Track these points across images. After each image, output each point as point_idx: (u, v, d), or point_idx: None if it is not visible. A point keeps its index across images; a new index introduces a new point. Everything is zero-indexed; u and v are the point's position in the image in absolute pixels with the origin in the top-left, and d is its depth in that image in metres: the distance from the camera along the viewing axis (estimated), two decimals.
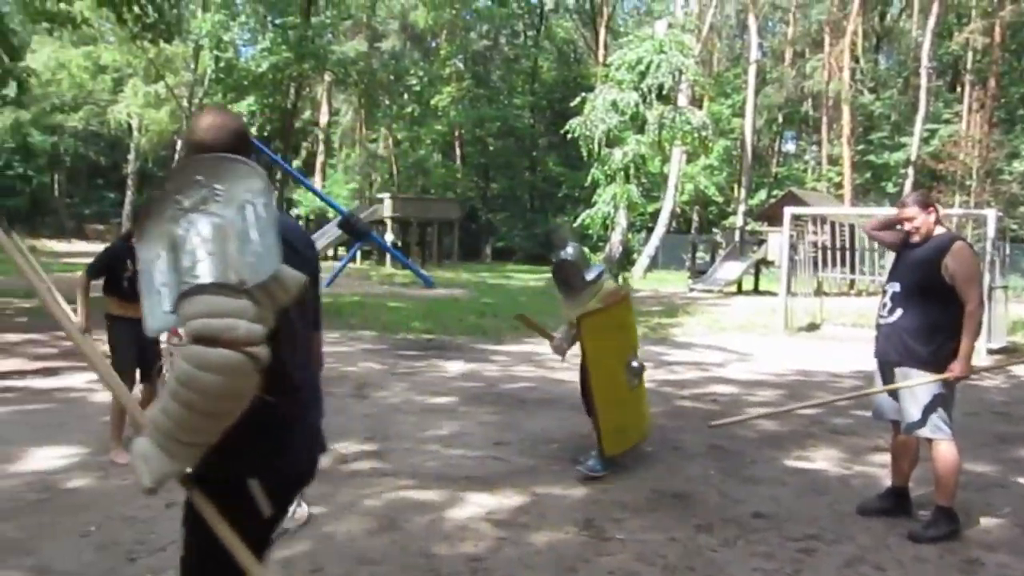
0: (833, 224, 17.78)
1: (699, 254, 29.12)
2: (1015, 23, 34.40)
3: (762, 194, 40.69)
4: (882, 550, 4.10)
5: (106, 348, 5.26)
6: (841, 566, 3.90)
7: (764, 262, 25.43)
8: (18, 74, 17.62)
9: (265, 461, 2.05)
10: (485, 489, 4.88)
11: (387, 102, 40.57)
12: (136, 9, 16.52)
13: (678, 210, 36.69)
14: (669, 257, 35.30)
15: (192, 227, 1.77)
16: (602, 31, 42.13)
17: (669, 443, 6.07)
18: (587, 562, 3.87)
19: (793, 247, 15.13)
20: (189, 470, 1.91)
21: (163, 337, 6.08)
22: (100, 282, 5.36)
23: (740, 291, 24.56)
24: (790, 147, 50.87)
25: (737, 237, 27.84)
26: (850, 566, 3.90)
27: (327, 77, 37.41)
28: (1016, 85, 37.76)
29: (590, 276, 5.48)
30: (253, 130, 32.71)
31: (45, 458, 5.17)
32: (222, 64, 31.60)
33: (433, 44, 47.68)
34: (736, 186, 39.43)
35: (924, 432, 4.31)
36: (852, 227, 18.56)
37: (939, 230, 4.41)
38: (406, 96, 40.56)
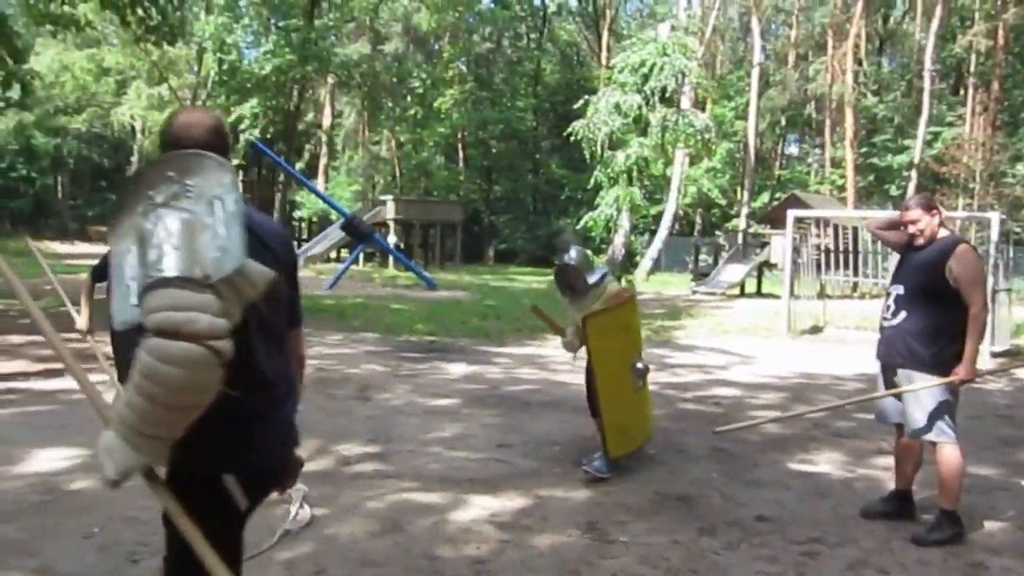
0: (836, 227, 17.74)
1: (702, 257, 29.09)
2: (1018, 26, 34.38)
3: (765, 197, 40.68)
4: (886, 553, 4.09)
5: (108, 349, 5.26)
6: (844, 569, 3.89)
7: (767, 265, 25.40)
8: (22, 76, 17.63)
9: (236, 456, 2.07)
10: (488, 491, 4.88)
11: (390, 104, 40.62)
12: (140, 12, 16.55)
13: (681, 213, 36.66)
14: (672, 260, 35.27)
15: (161, 222, 1.78)
16: (605, 34, 42.14)
17: (672, 446, 6.06)
18: (590, 565, 3.86)
19: (796, 250, 15.11)
20: (163, 465, 1.92)
21: None
22: (104, 284, 5.37)
23: (743, 294, 24.53)
24: (793, 150, 50.87)
25: (740, 240, 27.82)
26: (853, 569, 3.89)
27: (330, 79, 37.46)
28: (1020, 88, 37.74)
29: (593, 279, 5.49)
30: (256, 132, 32.86)
31: (48, 460, 5.18)
32: (225, 66, 31.67)
33: (436, 47, 47.71)
34: (739, 189, 39.43)
35: (928, 435, 4.30)
36: (855, 230, 18.53)
37: (943, 233, 4.40)
38: (409, 98, 40.61)
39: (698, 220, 41.98)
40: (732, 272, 25.10)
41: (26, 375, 8.06)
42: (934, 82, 32.86)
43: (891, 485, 4.78)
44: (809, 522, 4.51)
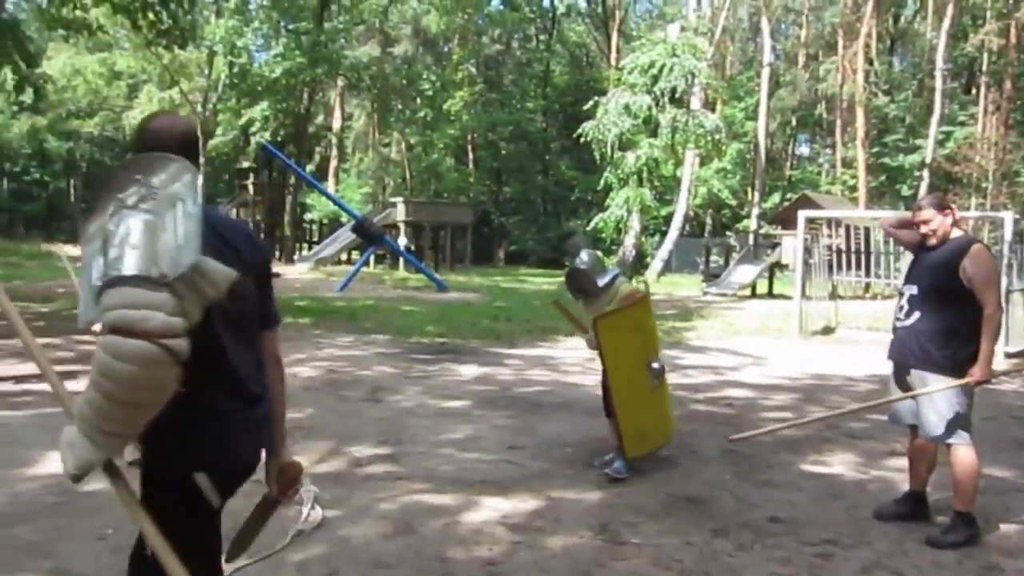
0: (848, 227, 17.68)
1: (713, 257, 29.04)
2: None
3: (776, 197, 40.57)
4: (900, 555, 4.07)
5: None
6: (858, 571, 3.87)
7: (778, 265, 25.33)
8: (35, 80, 17.75)
9: (207, 455, 2.10)
10: (500, 493, 4.87)
11: (400, 106, 40.70)
12: (151, 16, 16.63)
13: (691, 213, 36.64)
14: (682, 260, 35.21)
15: (124, 222, 1.82)
16: (614, 35, 42.12)
17: (684, 447, 6.05)
18: (602, 566, 3.85)
19: (807, 250, 15.06)
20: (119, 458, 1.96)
21: None
22: None
23: (754, 294, 24.46)
24: (804, 150, 50.75)
25: (751, 240, 27.75)
26: (867, 571, 3.87)
27: (340, 82, 37.55)
28: None
29: (604, 281, 5.48)
30: (267, 135, 32.94)
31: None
32: (236, 69, 31.77)
33: (445, 49, 47.80)
34: (750, 189, 39.34)
35: (942, 436, 4.27)
36: (867, 230, 18.45)
37: (956, 232, 4.38)
38: (419, 100, 40.68)
39: (709, 221, 41.91)
40: (743, 273, 25.04)
41: (41, 377, 8.08)
42: (946, 81, 32.71)
43: (905, 487, 4.75)
44: (822, 524, 4.49)
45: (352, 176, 46.47)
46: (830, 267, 16.11)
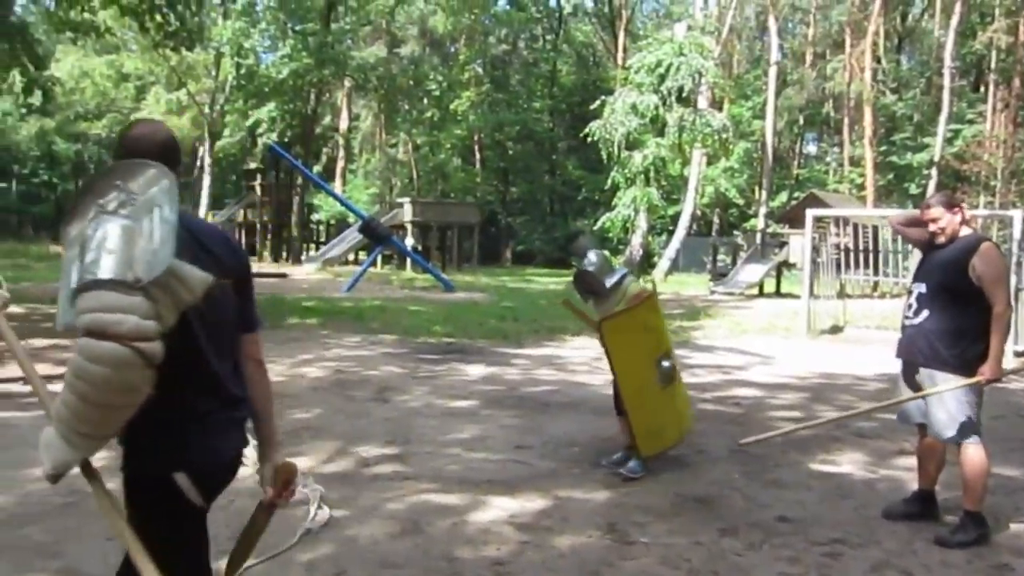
0: (856, 226, 17.61)
1: (720, 257, 28.97)
2: None
3: (783, 196, 40.47)
4: (908, 555, 4.05)
5: None
6: (867, 571, 3.86)
7: (786, 264, 25.26)
8: (43, 83, 17.82)
9: (186, 455, 2.12)
10: (507, 493, 4.87)
11: (407, 107, 40.73)
12: (158, 18, 16.68)
13: (699, 213, 36.55)
14: (690, 260, 35.13)
15: (102, 227, 1.86)
16: (621, 34, 42.08)
17: (693, 446, 6.03)
18: (610, 566, 3.85)
19: (815, 249, 15.02)
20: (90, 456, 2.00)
21: None
22: None
23: (762, 293, 24.41)
24: (811, 149, 50.62)
25: (758, 239, 27.68)
26: (876, 571, 3.86)
27: (347, 83, 37.62)
28: None
29: (612, 281, 5.47)
30: (274, 136, 33.01)
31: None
32: (243, 71, 31.85)
33: (452, 49, 47.83)
34: (757, 188, 39.24)
35: (951, 435, 4.26)
36: (875, 229, 18.38)
37: (965, 231, 4.36)
38: (425, 101, 40.72)
39: (716, 220, 41.83)
40: (751, 272, 24.98)
41: (49, 378, 8.11)
42: (954, 79, 32.56)
43: (914, 486, 4.74)
44: (831, 523, 4.48)
45: (359, 176, 46.54)
46: (838, 266, 16.06)
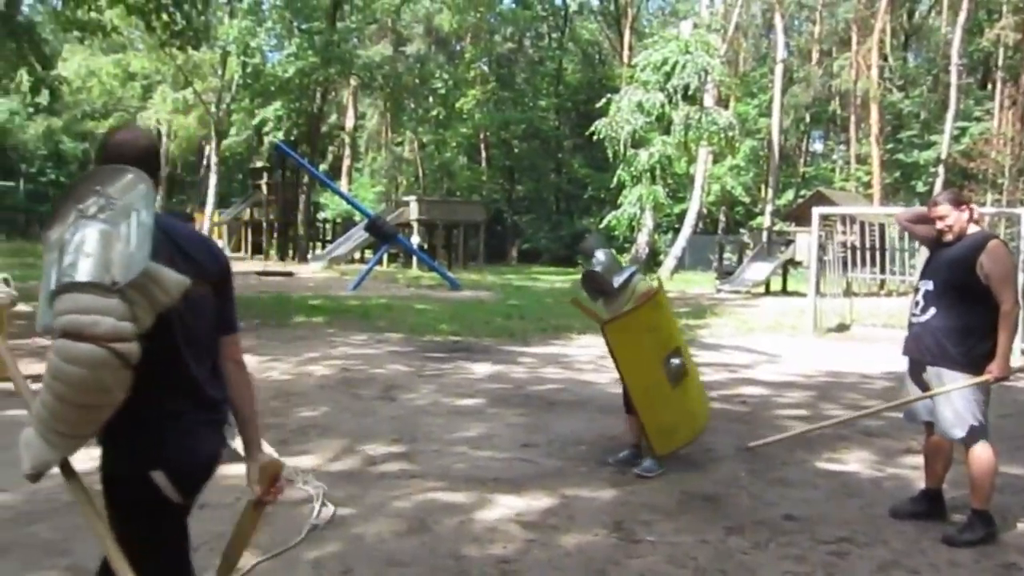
0: (862, 224, 17.58)
1: (726, 255, 28.93)
2: None
3: (790, 194, 40.38)
4: (916, 554, 4.04)
5: None
6: (874, 570, 3.85)
7: (792, 262, 25.22)
8: (50, 82, 17.87)
9: (162, 454, 2.14)
10: (514, 491, 4.88)
11: (412, 105, 40.74)
12: (165, 17, 16.71)
13: (705, 211, 36.50)
14: (696, 258, 35.11)
15: (81, 231, 1.90)
16: (627, 32, 42.02)
17: (699, 445, 6.01)
18: (617, 564, 3.85)
19: (822, 247, 14.99)
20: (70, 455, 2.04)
21: None
22: None
23: (768, 292, 24.37)
24: (818, 146, 50.48)
25: (765, 237, 27.63)
26: (883, 570, 3.85)
27: (353, 81, 37.62)
28: None
29: (620, 280, 5.45)
30: (280, 135, 33.03)
31: (79, 460, 5.21)
32: (249, 70, 31.90)
33: (458, 47, 47.81)
34: (763, 186, 39.19)
35: (958, 434, 4.24)
36: (882, 227, 18.35)
37: (973, 228, 4.34)
38: (431, 99, 40.72)
39: (722, 218, 41.76)
40: (757, 270, 24.95)
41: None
42: (961, 76, 32.46)
43: (921, 484, 4.72)
44: (838, 522, 4.47)
45: (365, 175, 46.55)
46: (845, 264, 16.04)
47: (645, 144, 26.11)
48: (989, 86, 38.74)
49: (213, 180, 32.22)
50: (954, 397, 4.21)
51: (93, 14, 17.33)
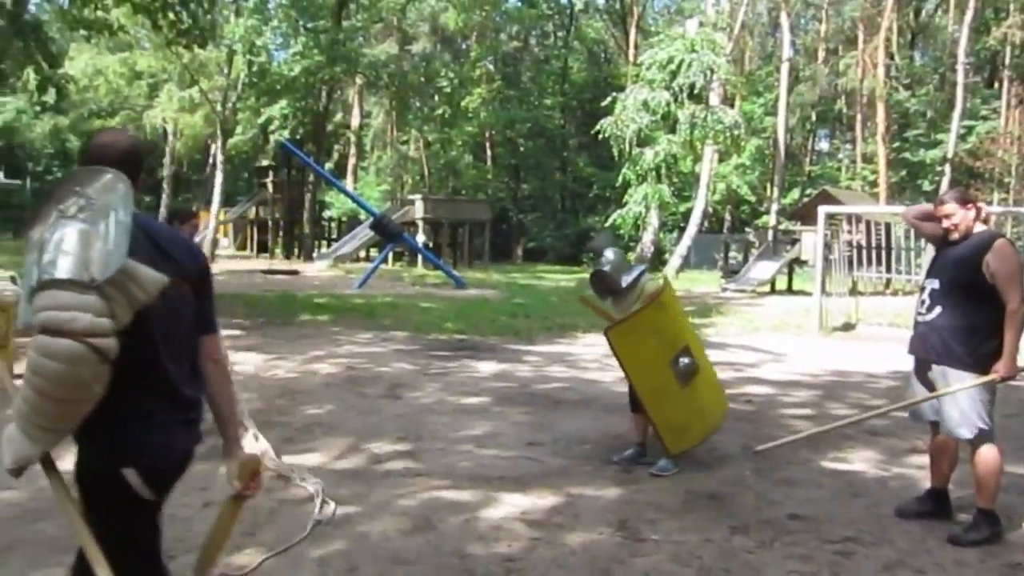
0: (868, 223, 17.54)
1: (732, 254, 28.87)
2: None
3: (795, 193, 40.29)
4: (921, 554, 4.04)
5: None
6: (879, 570, 3.85)
7: (798, 261, 25.17)
8: (57, 81, 17.90)
9: (134, 452, 2.17)
10: (519, 489, 4.88)
11: (418, 104, 40.72)
12: (171, 15, 16.74)
13: (710, 209, 36.38)
14: (701, 257, 35.03)
15: (61, 230, 1.96)
16: (632, 31, 41.97)
17: (704, 444, 6.01)
18: (622, 563, 3.85)
19: (827, 246, 14.97)
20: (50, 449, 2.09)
21: None
22: None
23: (773, 291, 24.33)
24: (824, 145, 50.35)
25: (770, 236, 27.59)
26: (889, 570, 3.84)
27: (358, 80, 37.62)
28: None
29: (629, 279, 5.43)
30: (286, 133, 33.05)
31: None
32: (255, 68, 31.85)
33: (463, 46, 47.77)
34: (769, 185, 39.09)
35: (964, 433, 4.24)
36: (887, 226, 18.30)
37: (979, 227, 4.33)
38: (437, 98, 40.71)
39: (727, 217, 41.69)
40: (762, 269, 24.91)
41: None
42: (968, 75, 32.31)
43: (926, 484, 4.72)
44: (843, 521, 4.46)
45: (371, 174, 46.56)
46: (850, 263, 16.00)
47: (650, 143, 26.06)
48: (996, 85, 38.61)
49: (219, 178, 32.14)
50: (960, 396, 4.20)
51: (100, 13, 17.35)
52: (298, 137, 35.01)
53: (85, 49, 35.47)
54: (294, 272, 26.02)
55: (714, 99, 27.99)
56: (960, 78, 31.43)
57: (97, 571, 2.04)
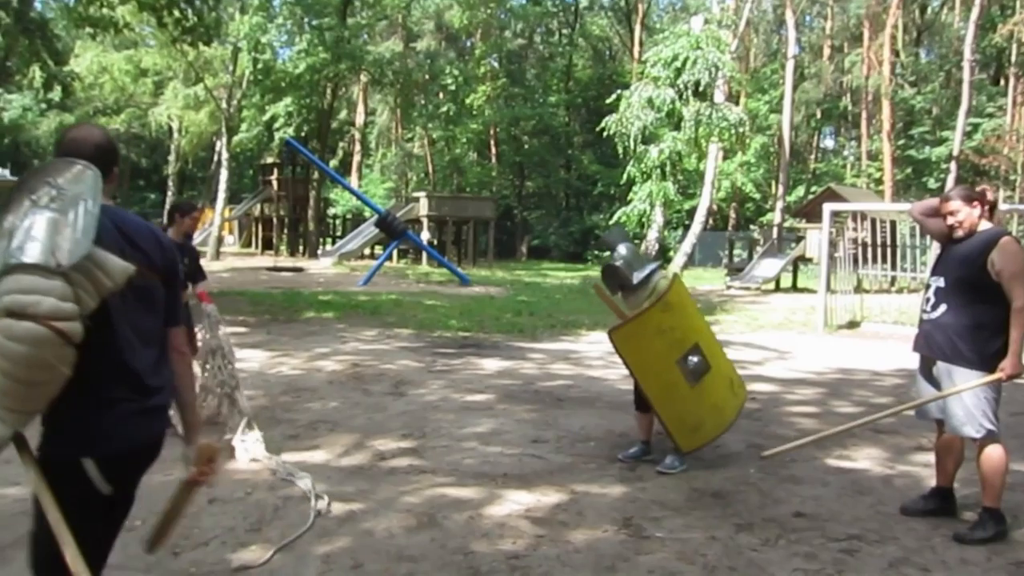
0: (873, 220, 17.51)
1: (736, 251, 28.87)
2: None
3: (800, 190, 40.26)
4: (927, 552, 4.03)
5: None
6: (885, 568, 3.84)
7: (802, 259, 25.12)
8: (63, 78, 17.99)
9: (93, 441, 2.21)
10: (523, 487, 4.88)
11: (423, 102, 40.71)
12: (176, 13, 16.79)
13: (715, 207, 36.40)
14: (706, 254, 35.03)
15: (31, 217, 2.03)
16: (637, 28, 41.95)
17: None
18: (626, 561, 3.85)
19: (832, 244, 14.94)
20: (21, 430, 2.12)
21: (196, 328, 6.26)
22: None
23: (778, 288, 24.31)
24: (829, 143, 50.31)
25: (775, 234, 27.56)
26: (894, 568, 3.84)
27: (363, 77, 37.61)
28: None
29: (641, 275, 5.39)
30: (291, 131, 33.05)
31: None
32: (260, 66, 31.90)
33: (468, 43, 47.76)
34: (774, 182, 39.05)
35: (969, 432, 4.23)
36: (893, 223, 18.27)
37: (984, 225, 4.31)
38: (441, 95, 40.69)
39: (732, 214, 41.68)
40: (767, 267, 24.89)
41: None
42: (974, 72, 32.20)
43: (932, 482, 4.71)
44: (848, 519, 4.46)
45: (375, 171, 46.59)
46: (855, 261, 15.96)
47: (655, 140, 25.99)
48: (1002, 82, 38.49)
49: (224, 176, 32.21)
50: (965, 395, 4.19)
51: (105, 10, 17.42)
52: (303, 134, 35.02)
53: (90, 46, 35.55)
54: (299, 269, 26.06)
55: (719, 96, 27.91)
56: (966, 75, 31.33)
57: (65, 551, 2.08)
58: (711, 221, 35.86)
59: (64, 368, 2.01)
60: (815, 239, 21.25)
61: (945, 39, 42.59)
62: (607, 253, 5.88)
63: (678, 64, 25.42)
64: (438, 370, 8.95)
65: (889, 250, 18.04)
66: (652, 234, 27.63)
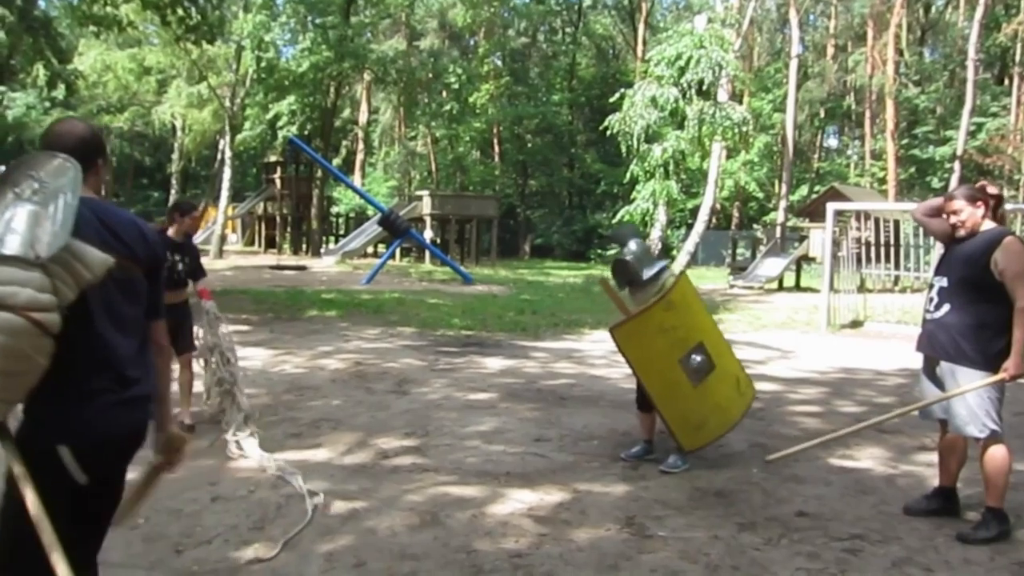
0: (877, 220, 17.48)
1: (739, 250, 28.83)
2: None
3: (803, 190, 40.22)
4: (930, 551, 4.03)
5: None
6: (888, 567, 3.83)
7: (806, 258, 25.09)
8: (66, 76, 18.02)
9: (70, 429, 2.21)
10: (526, 485, 4.88)
11: (426, 100, 40.74)
12: (180, 11, 16.80)
13: (718, 206, 36.36)
14: (709, 254, 34.99)
15: (12, 210, 2.06)
16: (640, 27, 41.90)
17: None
18: (629, 559, 3.85)
19: (836, 243, 14.91)
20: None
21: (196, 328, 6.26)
22: None
23: (781, 288, 24.29)
24: (832, 142, 50.29)
25: (778, 233, 27.54)
26: (897, 567, 3.83)
27: (367, 76, 37.61)
28: None
29: (650, 272, 5.37)
30: (294, 129, 33.07)
31: None
32: (263, 64, 31.92)
33: (471, 42, 47.76)
34: (777, 182, 39.02)
35: (973, 431, 4.22)
36: (896, 223, 18.25)
37: (988, 224, 4.30)
38: (445, 94, 40.70)
39: (735, 214, 41.63)
40: (770, 266, 24.87)
41: None
42: (978, 72, 32.12)
43: (935, 482, 4.70)
44: (851, 519, 4.45)
45: (378, 170, 46.62)
46: (858, 260, 15.95)
47: (658, 139, 25.97)
48: (1006, 81, 38.42)
49: (227, 174, 32.22)
50: (968, 395, 4.19)
51: (109, 9, 17.43)
52: (306, 133, 35.01)
53: (94, 45, 35.60)
54: (302, 268, 26.07)
55: (723, 95, 27.86)
56: (970, 74, 31.26)
57: (43, 538, 2.08)
58: (714, 220, 35.83)
59: (41, 359, 2.04)
60: (818, 238, 21.21)
61: (949, 38, 42.52)
62: (615, 249, 5.86)
63: (681, 63, 25.40)
64: (441, 369, 8.96)
65: (892, 249, 18.01)
66: (655, 233, 27.59)
